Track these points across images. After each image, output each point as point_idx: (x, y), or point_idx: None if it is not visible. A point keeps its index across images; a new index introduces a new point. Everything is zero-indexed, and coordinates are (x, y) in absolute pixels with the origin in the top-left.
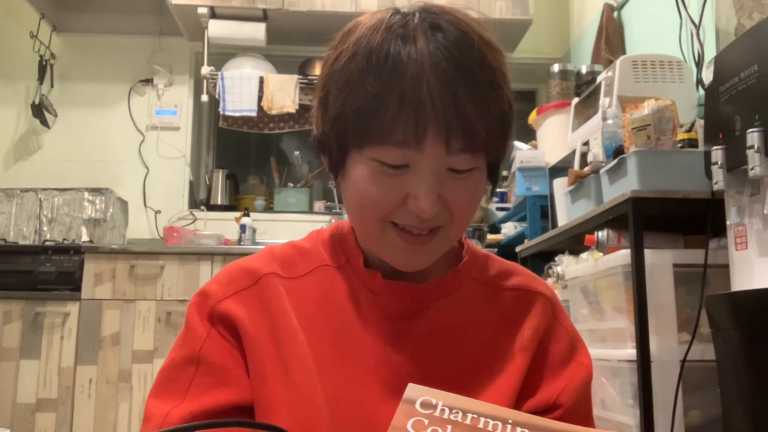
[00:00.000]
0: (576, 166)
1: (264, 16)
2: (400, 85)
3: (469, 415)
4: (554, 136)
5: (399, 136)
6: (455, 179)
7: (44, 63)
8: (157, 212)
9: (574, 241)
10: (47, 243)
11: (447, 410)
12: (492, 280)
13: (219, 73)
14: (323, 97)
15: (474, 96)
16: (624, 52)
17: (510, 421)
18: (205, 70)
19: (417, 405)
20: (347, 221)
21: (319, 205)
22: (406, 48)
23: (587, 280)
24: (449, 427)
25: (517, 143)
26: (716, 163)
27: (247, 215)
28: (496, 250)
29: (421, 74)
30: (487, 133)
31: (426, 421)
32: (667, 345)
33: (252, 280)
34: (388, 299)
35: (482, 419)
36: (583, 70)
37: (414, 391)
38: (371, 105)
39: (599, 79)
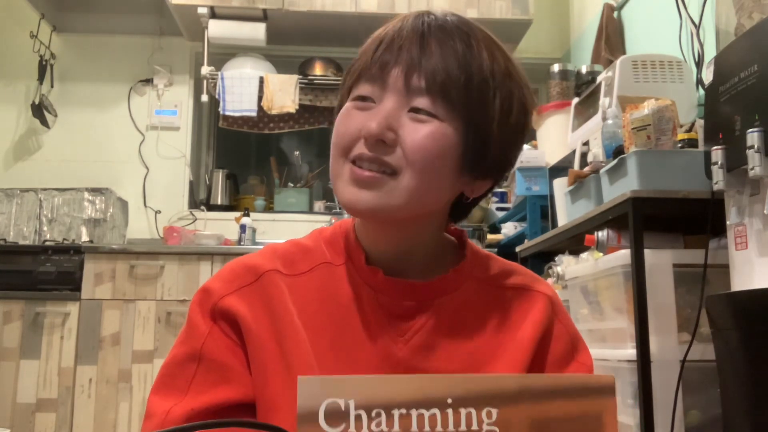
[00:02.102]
0: (576, 166)
1: (264, 16)
2: (387, 33)
3: (396, 413)
4: (554, 136)
5: (371, 72)
6: (415, 120)
7: (44, 63)
8: (157, 212)
9: (574, 241)
10: (47, 243)
11: (364, 416)
12: (493, 278)
13: (219, 73)
14: (349, 66)
15: (444, 46)
16: (624, 52)
17: (449, 401)
18: (205, 70)
19: (321, 419)
20: (349, 219)
21: (319, 205)
22: (409, 17)
23: (587, 280)
24: None
25: None
26: (716, 163)
27: (247, 215)
28: (496, 250)
29: (404, 26)
30: (451, 81)
31: None
32: (667, 345)
33: (254, 277)
34: (389, 297)
35: (414, 413)
36: (583, 70)
37: (308, 389)
38: (364, 53)
39: (599, 79)
